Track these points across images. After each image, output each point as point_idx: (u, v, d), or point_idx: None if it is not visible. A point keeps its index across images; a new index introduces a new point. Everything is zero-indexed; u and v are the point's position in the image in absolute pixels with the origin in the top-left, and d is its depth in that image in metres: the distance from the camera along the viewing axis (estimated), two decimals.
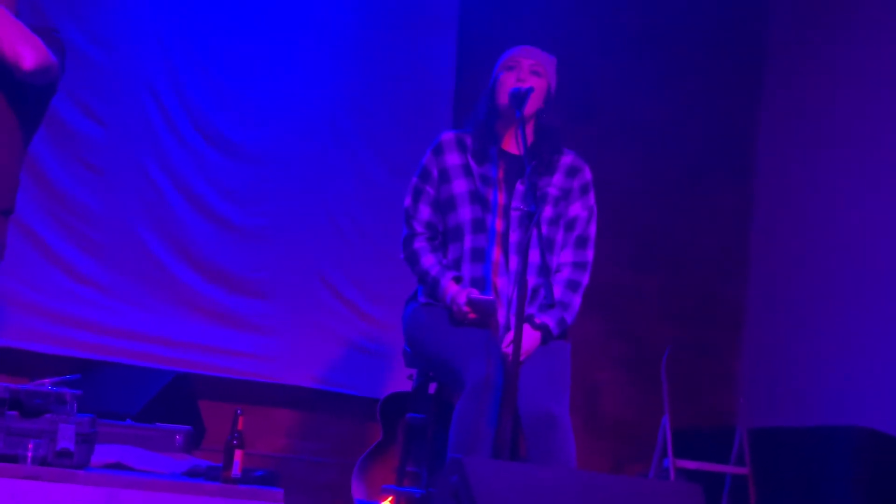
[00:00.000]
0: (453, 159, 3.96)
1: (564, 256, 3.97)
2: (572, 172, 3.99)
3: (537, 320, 3.79)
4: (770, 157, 6.85)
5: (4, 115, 3.50)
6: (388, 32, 6.13)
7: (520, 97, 3.80)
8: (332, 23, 6.04)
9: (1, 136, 3.51)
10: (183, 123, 5.74)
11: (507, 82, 3.91)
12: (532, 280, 3.78)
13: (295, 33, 5.98)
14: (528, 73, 3.91)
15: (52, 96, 3.65)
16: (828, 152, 6.43)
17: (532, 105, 3.89)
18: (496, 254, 3.86)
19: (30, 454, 3.28)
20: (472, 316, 3.77)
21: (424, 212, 3.98)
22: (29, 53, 3.35)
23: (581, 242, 3.98)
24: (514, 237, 3.85)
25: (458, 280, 3.85)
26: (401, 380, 5.34)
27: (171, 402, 5.15)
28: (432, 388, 4.41)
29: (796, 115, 6.70)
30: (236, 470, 3.52)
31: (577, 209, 3.99)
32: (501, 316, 3.82)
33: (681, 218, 6.74)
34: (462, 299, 3.76)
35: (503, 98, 3.90)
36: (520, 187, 3.88)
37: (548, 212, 3.92)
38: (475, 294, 3.77)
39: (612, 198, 4.67)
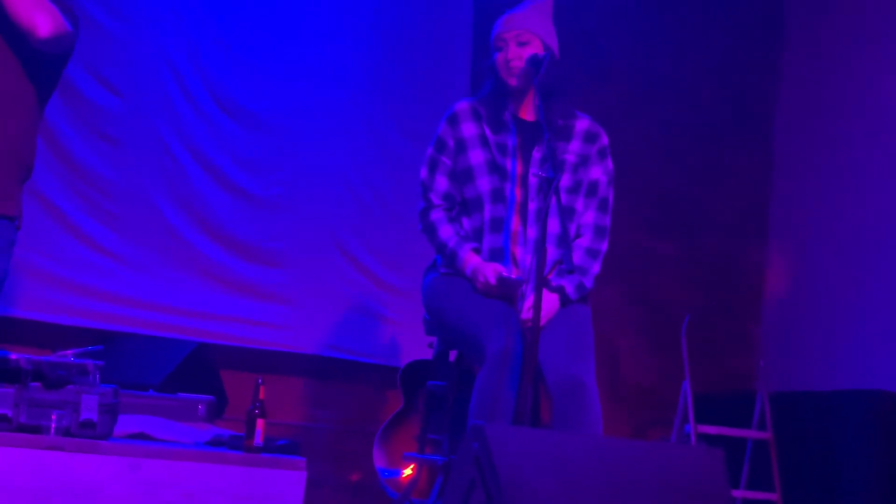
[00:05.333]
0: (469, 129, 3.93)
1: (586, 219, 3.95)
2: (590, 138, 3.97)
3: (554, 283, 3.79)
4: (789, 119, 6.81)
5: (19, 82, 3.51)
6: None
7: (536, 63, 3.79)
8: None
9: (17, 105, 3.52)
10: (200, 93, 5.74)
11: (500, 63, 3.90)
12: (551, 251, 3.76)
13: (311, 2, 5.96)
14: (515, 48, 3.88)
15: (67, 62, 3.66)
16: (848, 114, 6.39)
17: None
18: (515, 223, 3.84)
19: (53, 425, 3.30)
20: (496, 290, 3.76)
21: (441, 183, 3.95)
22: (44, 21, 3.36)
23: (602, 206, 3.97)
24: (532, 206, 3.83)
25: (476, 251, 3.84)
26: (421, 347, 5.35)
27: (193, 372, 5.17)
28: (453, 355, 4.41)
29: (816, 78, 6.66)
30: (258, 439, 3.53)
31: (597, 173, 3.97)
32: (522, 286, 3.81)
33: (700, 182, 6.72)
34: (492, 277, 3.74)
35: (502, 74, 3.88)
36: (536, 155, 3.86)
37: (566, 180, 3.89)
38: (504, 272, 3.75)
39: (631, 163, 4.65)
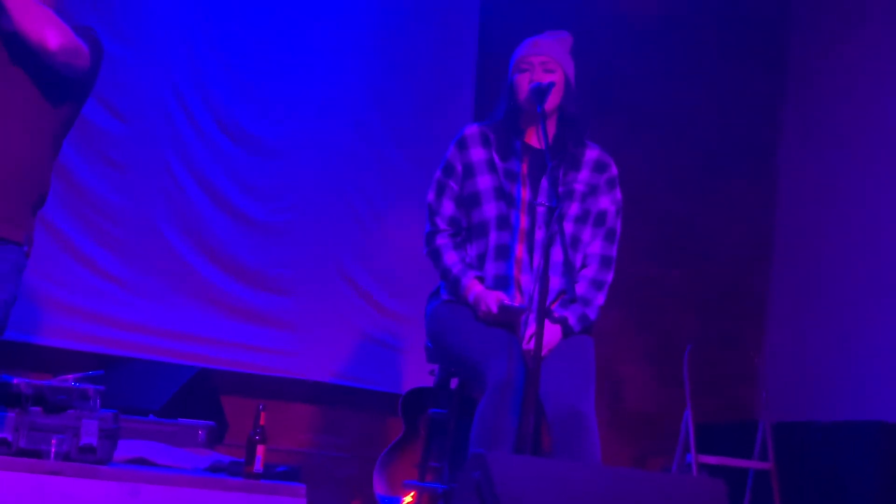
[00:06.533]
0: (478, 154, 3.93)
1: (593, 248, 3.95)
2: (599, 168, 3.97)
3: (556, 314, 3.78)
4: (793, 148, 6.82)
5: (36, 110, 3.51)
6: (410, 23, 6.13)
7: (541, 92, 3.78)
8: (352, 15, 6.04)
9: (32, 133, 3.52)
10: (204, 119, 5.75)
11: (522, 84, 3.89)
12: (556, 281, 3.76)
13: (316, 26, 5.98)
14: (540, 73, 3.89)
15: (87, 94, 3.65)
16: (852, 143, 6.39)
17: (553, 100, 3.87)
18: (520, 251, 3.84)
19: (53, 450, 3.30)
20: (498, 318, 3.75)
21: (448, 207, 3.95)
22: (54, 35, 3.35)
23: (609, 236, 3.97)
24: (539, 234, 3.82)
25: (480, 279, 3.84)
26: (422, 375, 5.34)
27: (194, 397, 5.16)
28: (454, 383, 4.41)
29: (820, 106, 6.66)
30: (258, 465, 3.53)
31: (605, 203, 3.97)
32: (524, 314, 3.79)
33: (704, 210, 6.72)
34: (494, 305, 3.73)
35: (523, 97, 3.88)
36: (544, 183, 3.85)
37: (574, 209, 3.89)
38: (506, 300, 3.74)
39: (635, 190, 4.66)
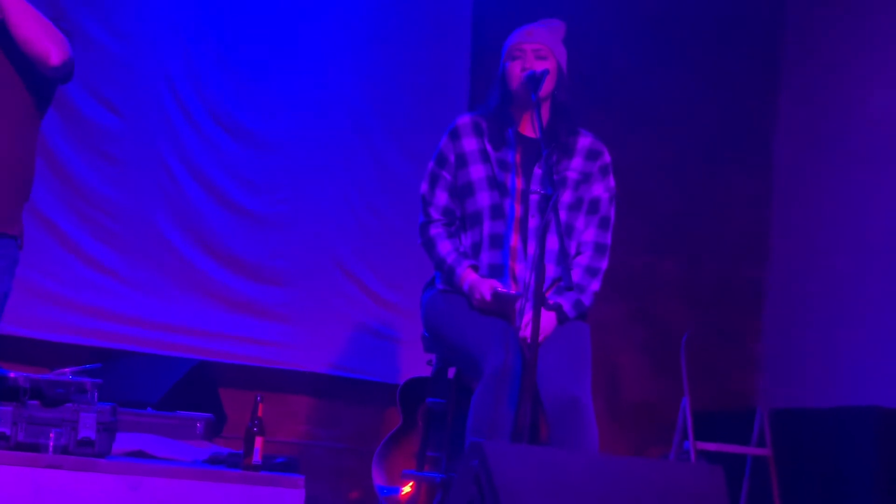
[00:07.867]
0: (470, 144, 3.93)
1: (587, 236, 3.95)
2: (592, 155, 3.97)
3: (551, 301, 3.78)
4: (789, 139, 6.82)
5: (24, 105, 3.53)
6: (404, 17, 6.12)
7: (535, 80, 3.79)
8: (346, 7, 6.03)
9: (21, 127, 3.54)
10: (200, 113, 5.75)
11: (515, 71, 3.89)
12: (550, 268, 3.76)
13: (310, 20, 5.97)
14: (533, 60, 3.89)
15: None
16: (848, 134, 6.40)
17: (546, 87, 3.87)
18: (514, 239, 3.84)
19: (51, 443, 3.31)
20: (492, 306, 3.75)
21: (441, 198, 3.95)
22: (56, 51, 3.41)
23: (604, 223, 3.97)
24: (532, 222, 3.82)
25: (475, 268, 3.84)
26: (420, 365, 5.34)
27: (192, 390, 5.17)
28: (451, 372, 4.41)
29: (815, 99, 6.67)
30: (257, 457, 3.54)
31: (598, 190, 3.97)
32: (518, 302, 3.80)
33: (701, 201, 6.72)
34: (487, 293, 3.73)
35: (515, 84, 3.88)
36: (537, 171, 3.85)
37: (567, 196, 3.89)
38: (500, 288, 3.75)
39: (632, 182, 4.66)
